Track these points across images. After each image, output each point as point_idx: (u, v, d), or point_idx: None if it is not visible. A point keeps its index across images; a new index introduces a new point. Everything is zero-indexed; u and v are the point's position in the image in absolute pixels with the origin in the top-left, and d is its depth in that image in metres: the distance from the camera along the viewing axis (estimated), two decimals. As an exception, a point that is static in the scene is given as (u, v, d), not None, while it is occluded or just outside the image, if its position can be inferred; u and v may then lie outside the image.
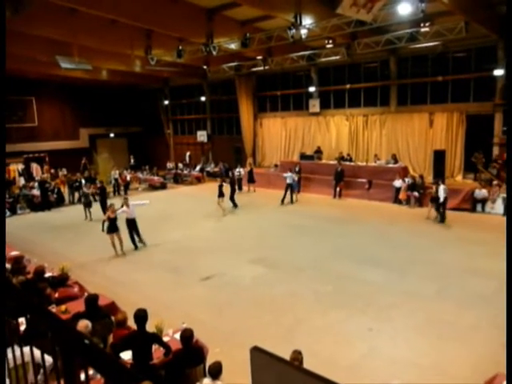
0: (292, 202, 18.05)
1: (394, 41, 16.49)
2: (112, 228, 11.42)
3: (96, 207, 16.24)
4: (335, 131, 22.43)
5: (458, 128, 18.41)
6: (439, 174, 17.01)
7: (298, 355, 4.60)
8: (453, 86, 18.47)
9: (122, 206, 11.87)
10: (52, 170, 24.72)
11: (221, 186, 15.99)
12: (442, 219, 14.16)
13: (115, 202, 14.11)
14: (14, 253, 9.13)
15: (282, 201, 17.81)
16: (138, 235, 12.15)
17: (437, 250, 11.25)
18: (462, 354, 6.24)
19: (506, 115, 16.02)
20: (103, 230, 11.77)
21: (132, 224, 11.95)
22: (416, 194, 16.53)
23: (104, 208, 15.56)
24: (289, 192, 17.94)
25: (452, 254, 10.79)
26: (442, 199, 13.92)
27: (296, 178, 18.37)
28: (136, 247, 12.03)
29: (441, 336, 6.77)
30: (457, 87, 18.37)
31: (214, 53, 16.43)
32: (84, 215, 16.27)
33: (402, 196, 17.02)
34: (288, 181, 17.82)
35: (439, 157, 17.35)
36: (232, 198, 17.31)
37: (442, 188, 13.98)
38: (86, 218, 16.16)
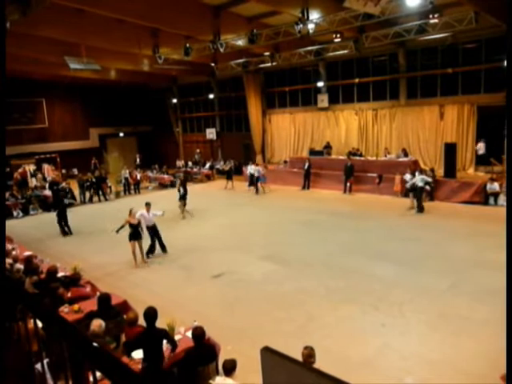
0: (257, 192, 19.72)
1: (403, 33, 16.29)
2: (134, 235, 10.39)
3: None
4: (344, 126, 22.31)
5: (469, 120, 18.19)
6: (450, 167, 16.82)
7: (311, 351, 4.57)
8: (463, 77, 18.24)
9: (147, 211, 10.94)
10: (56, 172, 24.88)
11: (180, 189, 15.84)
12: (419, 209, 14.72)
13: (127, 201, 14.15)
14: (27, 253, 9.24)
15: (256, 190, 19.83)
16: (160, 241, 11.30)
17: (448, 243, 11.14)
18: (475, 349, 6.17)
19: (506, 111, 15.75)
20: (118, 231, 10.47)
21: (153, 231, 11.09)
22: (427, 187, 16.34)
23: (63, 220, 13.96)
24: (257, 184, 19.85)
25: (464, 248, 10.68)
26: (420, 184, 14.69)
27: (262, 172, 20.30)
28: (150, 254, 11.18)
29: (454, 331, 6.70)
30: (467, 79, 18.13)
31: (222, 50, 16.43)
32: (61, 231, 14.09)
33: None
34: (251, 172, 20.09)
35: (450, 150, 17.12)
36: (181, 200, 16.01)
37: (419, 177, 14.81)
38: (66, 234, 14.03)
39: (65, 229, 14.05)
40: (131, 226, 10.39)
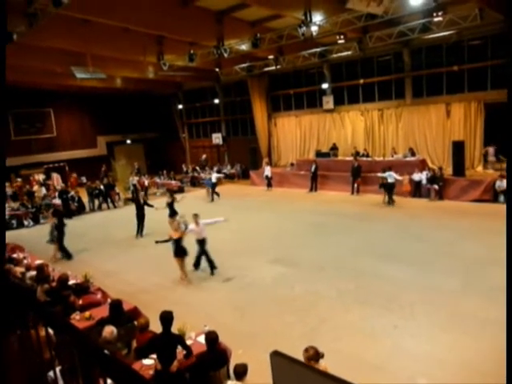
0: (212, 199, 20.29)
1: (407, 32, 16.24)
2: (179, 251, 9.42)
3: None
4: (350, 127, 22.25)
5: (477, 117, 18.05)
6: (458, 165, 16.70)
7: (314, 349, 4.48)
8: (469, 74, 18.11)
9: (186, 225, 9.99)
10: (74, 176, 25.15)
11: (171, 203, 14.06)
12: (390, 201, 16.01)
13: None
14: (38, 261, 9.31)
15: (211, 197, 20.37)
16: (208, 258, 10.15)
17: (459, 242, 11.04)
18: (488, 349, 6.09)
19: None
20: (158, 242, 9.97)
21: (201, 244, 10.04)
22: (436, 186, 16.26)
23: (60, 241, 12.05)
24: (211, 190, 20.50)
25: (475, 247, 10.58)
26: (389, 180, 15.94)
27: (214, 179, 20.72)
28: (196, 267, 10.26)
29: (467, 331, 6.63)
30: (473, 76, 18.00)
31: (226, 55, 16.49)
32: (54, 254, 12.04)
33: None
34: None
35: (458, 148, 17.01)
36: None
37: (387, 174, 15.96)
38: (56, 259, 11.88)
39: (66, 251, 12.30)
40: (174, 241, 9.44)
